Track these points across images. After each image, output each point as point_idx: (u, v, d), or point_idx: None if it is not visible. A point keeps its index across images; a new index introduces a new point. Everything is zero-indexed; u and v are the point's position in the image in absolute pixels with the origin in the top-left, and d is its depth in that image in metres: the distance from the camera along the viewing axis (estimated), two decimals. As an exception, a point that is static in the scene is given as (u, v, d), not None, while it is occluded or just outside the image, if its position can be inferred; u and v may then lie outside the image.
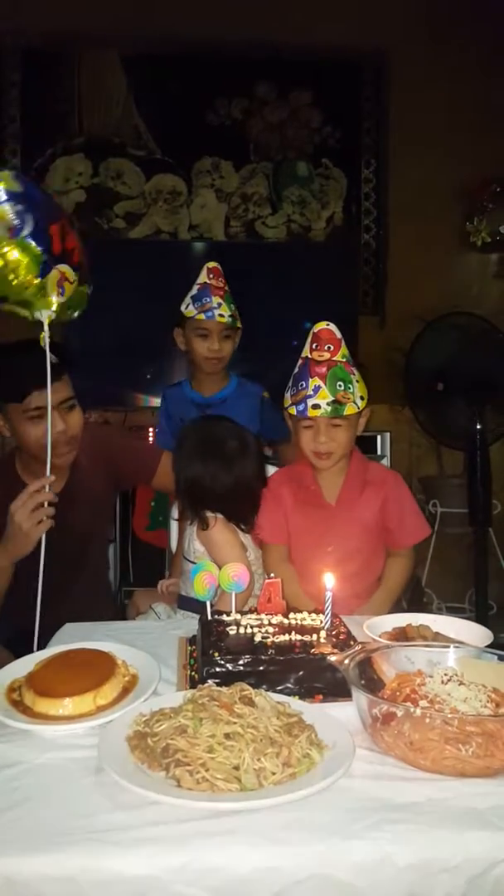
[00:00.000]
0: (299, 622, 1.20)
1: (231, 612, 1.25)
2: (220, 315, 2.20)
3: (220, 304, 2.21)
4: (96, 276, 3.91)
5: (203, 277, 2.28)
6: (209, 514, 1.61)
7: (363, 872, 0.71)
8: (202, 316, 2.21)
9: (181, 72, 3.89)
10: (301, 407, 1.63)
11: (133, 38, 3.80)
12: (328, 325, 1.67)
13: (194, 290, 2.27)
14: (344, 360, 1.64)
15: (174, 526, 2.02)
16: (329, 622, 1.18)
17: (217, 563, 1.56)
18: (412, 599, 3.09)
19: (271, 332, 3.38)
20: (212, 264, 2.31)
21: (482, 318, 3.12)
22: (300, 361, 1.68)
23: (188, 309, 2.25)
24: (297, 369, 1.69)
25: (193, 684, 1.08)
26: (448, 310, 3.19)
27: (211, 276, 2.28)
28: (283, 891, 0.71)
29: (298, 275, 3.62)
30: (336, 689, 1.06)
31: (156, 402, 3.58)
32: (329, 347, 1.64)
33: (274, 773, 0.79)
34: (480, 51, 3.73)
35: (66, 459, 1.68)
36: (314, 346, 1.65)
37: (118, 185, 3.93)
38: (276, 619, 1.21)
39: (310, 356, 1.65)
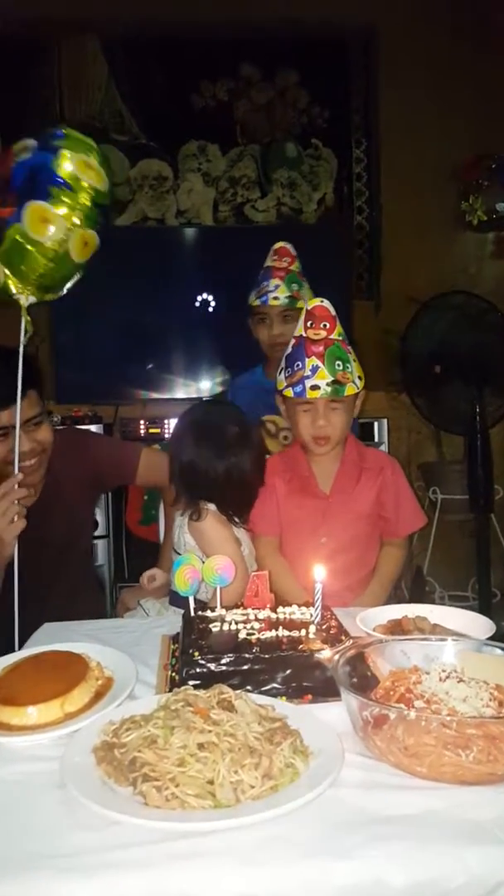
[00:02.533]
0: (288, 617, 1.13)
1: (216, 607, 1.17)
2: (275, 298, 2.11)
3: (276, 287, 2.12)
4: (84, 264, 3.83)
5: (268, 260, 2.21)
6: (202, 505, 1.53)
7: (352, 898, 0.63)
8: (258, 301, 2.15)
9: (164, 54, 3.80)
10: (299, 388, 1.54)
11: (113, 21, 3.70)
12: (322, 301, 1.58)
13: (288, 349, 2.19)
14: (340, 338, 1.56)
15: (163, 518, 1.95)
16: (319, 616, 1.10)
17: (207, 555, 1.49)
18: (414, 589, 3.02)
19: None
20: (279, 245, 2.22)
21: (480, 297, 3.03)
22: (293, 341, 1.60)
23: (251, 296, 2.20)
24: (290, 349, 1.60)
25: (174, 686, 1.00)
26: (445, 290, 3.10)
27: (274, 256, 2.20)
28: (261, 920, 0.63)
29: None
30: (326, 688, 0.98)
31: (154, 395, 3.52)
32: (325, 325, 1.55)
33: (252, 787, 0.71)
34: (472, 26, 3.62)
35: (37, 476, 1.62)
36: (309, 324, 1.56)
37: (103, 172, 3.84)
38: (264, 613, 1.14)
39: (305, 334, 1.56)
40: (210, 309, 3.71)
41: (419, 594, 2.99)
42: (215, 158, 3.90)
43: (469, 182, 3.65)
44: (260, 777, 0.72)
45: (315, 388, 1.52)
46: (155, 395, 3.54)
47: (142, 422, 3.36)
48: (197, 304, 3.69)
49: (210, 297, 3.71)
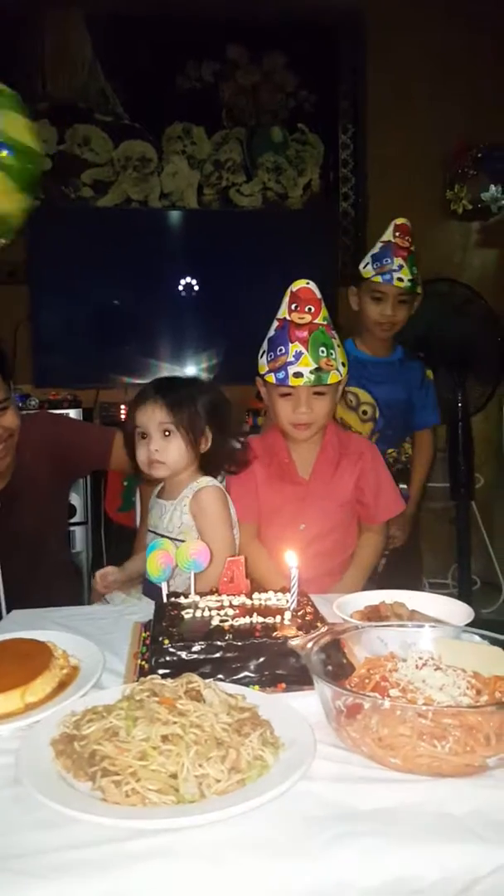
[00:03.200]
0: (263, 603, 1.09)
1: (189, 593, 1.13)
2: (399, 279, 2.03)
3: (400, 267, 2.03)
4: (64, 246, 3.75)
5: (388, 235, 2.08)
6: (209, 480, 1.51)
7: (321, 898, 0.60)
8: (379, 278, 2.03)
9: (149, 33, 3.72)
10: (281, 375, 1.50)
11: (97, -3, 3.61)
12: (308, 283, 1.53)
13: (376, 248, 2.08)
14: (325, 322, 1.52)
15: (139, 504, 1.91)
16: (295, 602, 1.06)
17: (203, 534, 1.47)
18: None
19: (247, 304, 3.25)
20: (400, 220, 2.10)
21: (465, 285, 3.00)
22: (277, 324, 1.55)
23: (366, 269, 2.08)
24: (273, 332, 1.55)
25: (143, 675, 0.96)
26: (429, 278, 3.07)
27: (397, 233, 2.07)
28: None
29: (275, 244, 3.50)
30: (300, 676, 0.95)
31: (135, 380, 3.46)
32: (310, 309, 1.51)
33: (218, 781, 0.67)
34: (462, 12, 3.57)
35: (3, 462, 1.57)
36: (293, 307, 1.51)
37: (85, 152, 3.76)
38: (239, 600, 1.10)
39: (289, 318, 1.52)
40: (193, 293, 3.65)
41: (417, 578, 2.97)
42: (200, 141, 3.83)
43: (455, 171, 3.62)
44: (227, 770, 0.68)
45: (298, 375, 1.48)
46: (137, 380, 3.49)
47: (122, 406, 3.30)
48: (180, 287, 3.64)
49: (193, 281, 3.65)
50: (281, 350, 1.50)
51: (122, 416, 3.28)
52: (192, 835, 0.64)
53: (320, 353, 1.49)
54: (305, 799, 0.70)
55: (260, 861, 0.62)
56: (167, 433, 1.47)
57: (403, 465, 2.24)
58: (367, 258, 2.09)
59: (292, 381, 1.49)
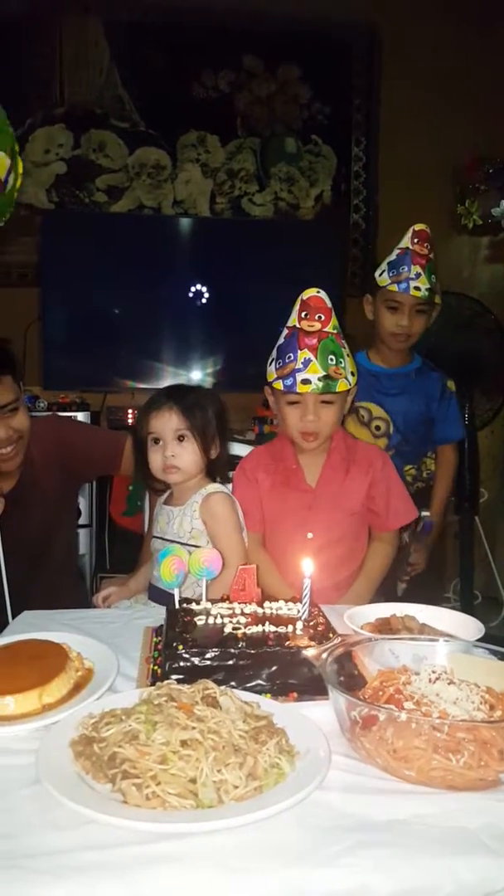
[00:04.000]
0: (275, 612, 1.10)
1: (201, 600, 1.14)
2: (416, 288, 1.92)
3: (418, 275, 1.92)
4: (76, 250, 3.77)
5: (406, 241, 1.97)
6: (218, 486, 1.54)
7: (336, 907, 0.61)
8: (395, 287, 1.93)
9: (166, 41, 3.75)
10: (289, 382, 1.49)
11: (116, 5, 3.65)
12: (318, 291, 1.53)
13: (393, 256, 1.98)
14: (335, 331, 1.51)
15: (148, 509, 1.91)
16: (307, 612, 1.07)
17: (215, 539, 1.48)
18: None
19: (256, 312, 3.27)
20: (419, 227, 1.99)
21: (474, 299, 3.02)
22: (286, 332, 1.54)
23: (382, 276, 1.98)
24: (282, 340, 1.55)
25: (156, 680, 0.97)
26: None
27: (416, 240, 1.96)
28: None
29: (285, 254, 3.51)
30: (312, 686, 0.96)
31: (143, 385, 3.47)
32: (320, 317, 1.51)
33: (236, 787, 0.68)
34: (475, 27, 3.61)
35: (13, 463, 1.58)
36: (303, 315, 1.51)
37: (100, 158, 3.79)
38: (250, 608, 1.11)
39: (298, 325, 1.51)
40: (203, 300, 3.67)
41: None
42: (214, 149, 3.86)
43: (466, 186, 3.64)
44: (244, 777, 0.69)
45: (306, 382, 1.48)
46: (144, 385, 3.50)
47: (130, 410, 3.32)
48: (190, 294, 3.65)
49: (203, 289, 3.67)
50: (289, 357, 1.50)
51: (130, 421, 3.30)
52: (210, 840, 0.65)
53: (329, 361, 1.48)
54: (320, 808, 0.71)
55: (276, 868, 0.63)
56: (182, 438, 1.48)
57: (426, 483, 2.12)
58: (384, 265, 2.00)
59: (300, 388, 1.48)
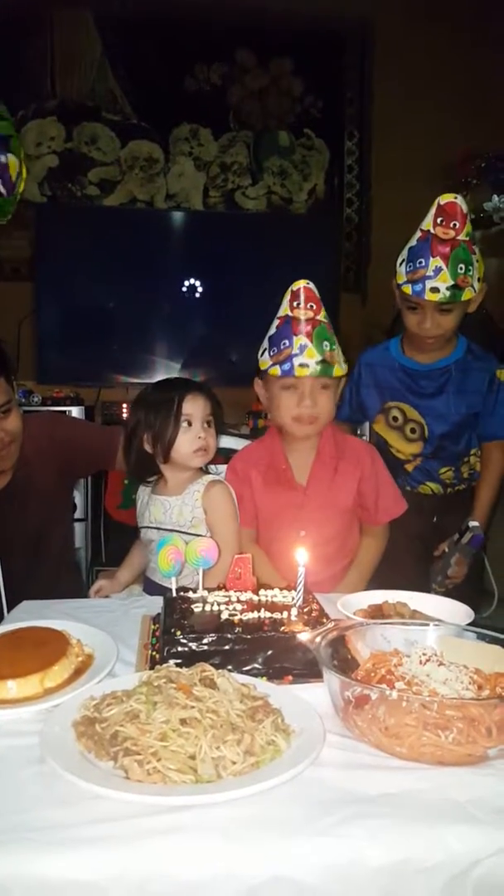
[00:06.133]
0: (270, 599, 1.13)
1: (198, 588, 1.16)
2: (434, 290, 1.63)
3: (438, 271, 1.62)
4: (69, 244, 3.77)
5: (427, 222, 1.66)
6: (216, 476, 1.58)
7: (332, 875, 0.64)
8: (409, 288, 1.68)
9: (158, 35, 3.75)
10: (287, 366, 1.50)
11: (108, -2, 3.65)
12: (308, 283, 1.54)
13: (413, 240, 1.69)
14: (326, 321, 1.53)
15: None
16: (301, 599, 1.10)
17: (213, 528, 1.51)
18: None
19: (249, 306, 3.28)
20: (446, 198, 1.66)
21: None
22: (278, 321, 1.55)
23: (400, 269, 1.71)
24: (274, 329, 1.55)
25: (154, 666, 1.00)
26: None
27: (440, 219, 1.63)
28: (239, 896, 0.63)
29: (278, 248, 3.53)
30: (307, 669, 0.99)
31: (137, 380, 3.48)
32: (311, 306, 1.52)
33: (234, 763, 0.71)
34: (468, 20, 3.63)
35: (7, 463, 1.59)
36: (295, 304, 1.52)
37: (92, 151, 3.79)
38: (246, 595, 1.13)
39: (291, 314, 1.52)
40: (196, 294, 3.68)
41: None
42: (207, 143, 3.87)
43: (458, 180, 3.65)
44: (242, 753, 0.72)
45: (304, 366, 1.48)
46: (137, 380, 3.52)
47: (124, 405, 3.33)
48: (184, 288, 3.67)
49: (197, 283, 3.68)
50: (285, 343, 1.51)
51: (124, 415, 3.32)
52: (209, 812, 0.67)
53: (324, 347, 1.50)
54: (315, 783, 0.74)
55: (273, 839, 0.66)
56: (209, 423, 1.52)
57: (467, 485, 1.89)
58: (404, 252, 1.72)
59: (298, 372, 1.49)
